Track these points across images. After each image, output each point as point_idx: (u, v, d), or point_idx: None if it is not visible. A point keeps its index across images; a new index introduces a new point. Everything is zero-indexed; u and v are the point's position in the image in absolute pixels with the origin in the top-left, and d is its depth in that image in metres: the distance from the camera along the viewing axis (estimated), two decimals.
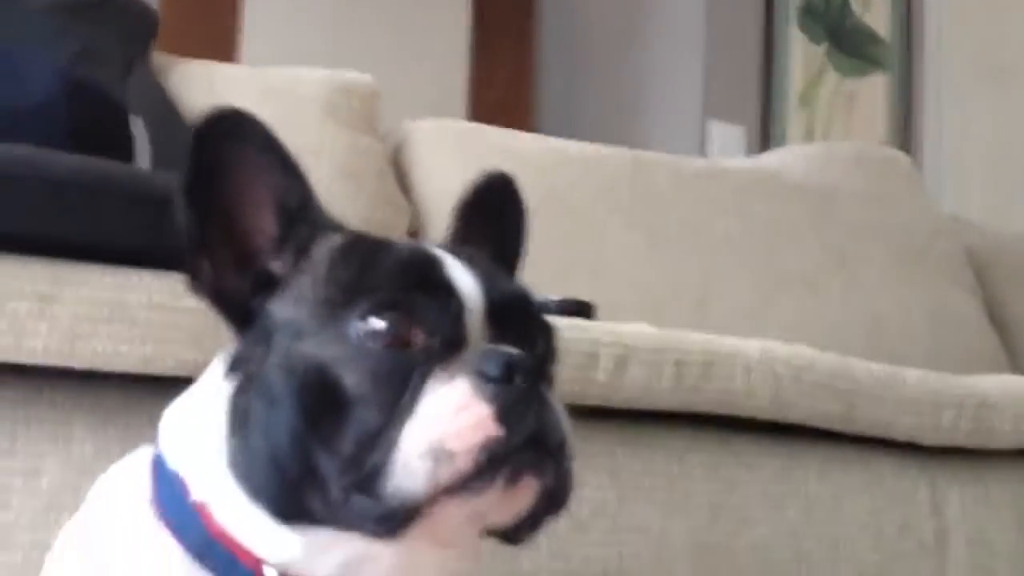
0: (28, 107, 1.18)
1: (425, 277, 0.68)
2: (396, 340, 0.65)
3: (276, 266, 0.72)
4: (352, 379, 0.64)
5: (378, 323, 0.65)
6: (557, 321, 1.19)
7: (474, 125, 2.29)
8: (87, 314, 0.97)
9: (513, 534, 0.69)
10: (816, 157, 2.58)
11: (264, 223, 0.72)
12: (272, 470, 0.67)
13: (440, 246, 0.74)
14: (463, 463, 0.62)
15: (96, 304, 0.97)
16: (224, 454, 0.69)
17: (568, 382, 1.19)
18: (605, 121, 3.47)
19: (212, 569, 0.69)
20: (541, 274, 2.13)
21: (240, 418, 0.69)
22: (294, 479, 0.66)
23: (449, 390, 0.63)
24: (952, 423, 1.44)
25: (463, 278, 0.69)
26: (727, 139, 3.27)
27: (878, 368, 1.42)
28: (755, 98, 3.39)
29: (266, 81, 2.05)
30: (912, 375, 1.44)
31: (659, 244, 2.18)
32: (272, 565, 0.68)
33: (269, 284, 0.71)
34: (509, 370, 0.64)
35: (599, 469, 1.25)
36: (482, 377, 0.63)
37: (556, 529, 1.20)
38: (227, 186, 0.71)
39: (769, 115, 3.40)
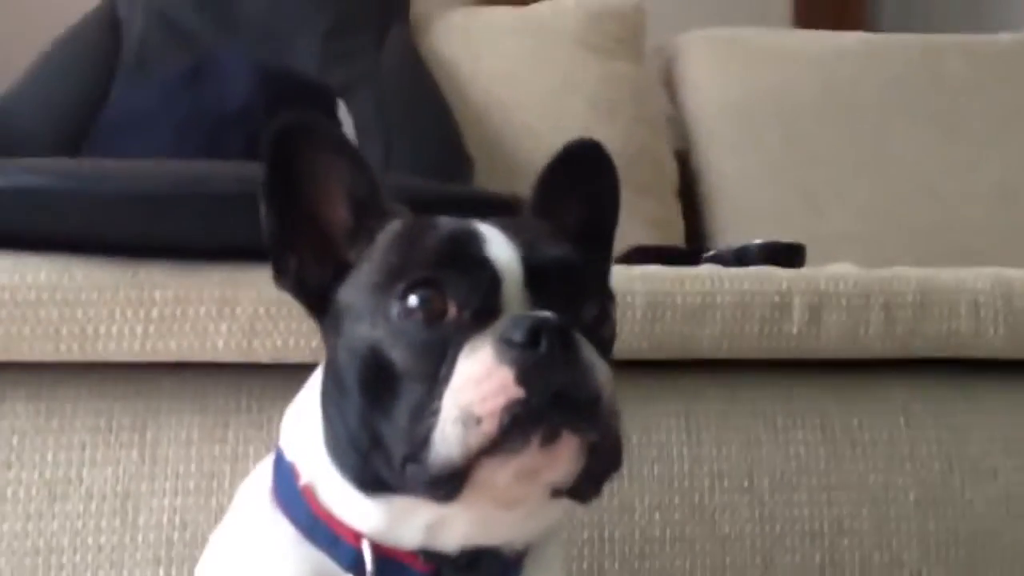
0: (231, 111, 1.26)
1: (458, 254, 0.72)
2: (431, 315, 0.69)
3: (351, 255, 0.77)
4: (397, 355, 0.70)
5: (413, 300, 0.70)
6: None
7: (740, 30, 2.17)
8: (263, 313, 1.06)
9: (576, 492, 0.71)
10: None
11: (339, 215, 0.78)
12: (349, 445, 0.73)
13: (493, 222, 0.76)
14: (488, 426, 0.65)
15: (270, 303, 1.06)
16: (322, 437, 0.76)
17: (755, 337, 1.13)
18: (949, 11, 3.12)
19: (319, 546, 0.77)
20: (821, 177, 2.00)
21: (325, 400, 0.76)
22: (366, 452, 0.72)
23: (475, 358, 0.67)
24: None
25: (500, 250, 0.72)
26: None
27: None
28: None
29: (521, 19, 2.06)
30: None
31: (955, 139, 1.96)
32: (368, 538, 0.75)
33: (345, 272, 0.76)
34: (534, 334, 0.66)
35: (806, 424, 1.17)
36: (507, 343, 0.66)
37: (760, 490, 1.16)
38: (304, 187, 0.77)
39: None
